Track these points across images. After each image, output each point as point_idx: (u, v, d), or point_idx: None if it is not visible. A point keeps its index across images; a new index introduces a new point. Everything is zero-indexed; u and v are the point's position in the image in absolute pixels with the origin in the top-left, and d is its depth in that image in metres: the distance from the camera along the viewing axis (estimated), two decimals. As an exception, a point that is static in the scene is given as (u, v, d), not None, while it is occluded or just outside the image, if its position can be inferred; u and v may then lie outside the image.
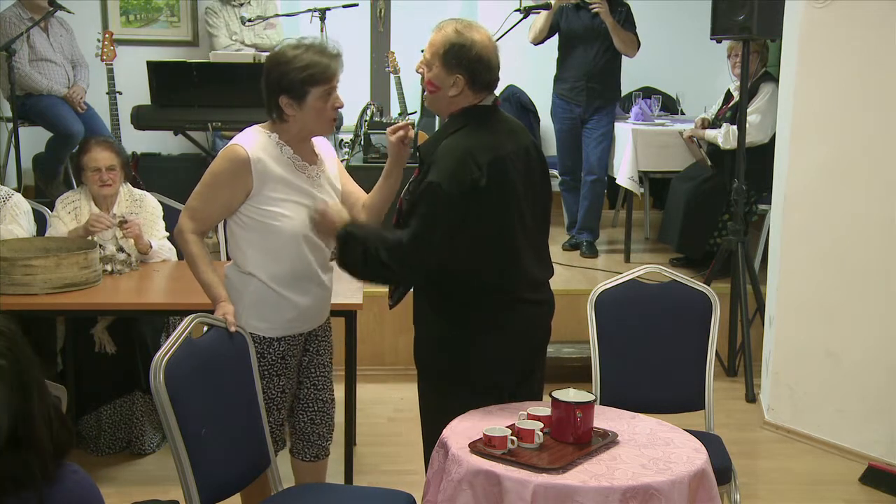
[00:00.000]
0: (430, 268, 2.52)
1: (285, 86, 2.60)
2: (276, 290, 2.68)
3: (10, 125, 5.42)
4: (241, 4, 6.01)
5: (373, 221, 2.79)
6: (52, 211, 3.87)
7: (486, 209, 2.49)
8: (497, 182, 2.50)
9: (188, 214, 2.70)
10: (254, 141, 2.66)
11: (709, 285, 3.16)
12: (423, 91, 2.66)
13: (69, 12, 5.58)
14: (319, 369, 2.87)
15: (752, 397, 4.46)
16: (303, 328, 2.77)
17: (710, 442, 2.71)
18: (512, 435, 2.25)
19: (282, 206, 2.64)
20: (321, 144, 2.82)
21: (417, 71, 2.64)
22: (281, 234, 2.65)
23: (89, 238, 3.57)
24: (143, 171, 5.51)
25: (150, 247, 3.69)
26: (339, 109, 2.68)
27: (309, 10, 5.52)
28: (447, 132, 2.57)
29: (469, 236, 2.50)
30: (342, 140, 6.03)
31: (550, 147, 6.44)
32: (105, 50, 5.33)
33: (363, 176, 4.82)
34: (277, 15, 5.86)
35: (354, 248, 2.52)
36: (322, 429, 2.90)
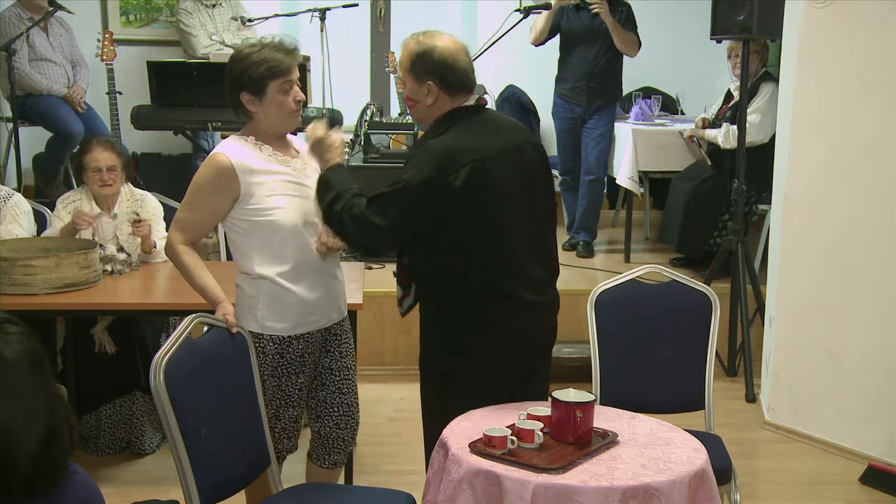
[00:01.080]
0: (379, 247, 2.67)
1: (244, 82, 2.66)
2: (288, 287, 2.68)
3: (10, 125, 5.42)
4: (214, 6, 6.01)
5: None
6: (52, 211, 3.87)
7: (467, 210, 2.50)
8: (478, 183, 2.49)
9: (177, 227, 2.73)
10: (233, 147, 2.70)
11: (709, 285, 3.16)
12: None
13: (69, 12, 5.58)
14: (343, 372, 2.87)
15: (752, 397, 4.46)
16: (320, 323, 2.77)
17: (710, 442, 2.71)
18: (512, 435, 2.25)
19: (273, 200, 2.66)
20: (301, 144, 2.85)
21: (398, 91, 2.68)
22: (280, 227, 2.66)
23: (89, 237, 3.57)
24: (142, 171, 5.51)
25: (155, 246, 3.70)
26: (301, 103, 2.71)
27: (309, 10, 5.52)
28: (432, 136, 2.59)
29: (454, 237, 2.51)
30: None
31: (551, 147, 6.43)
32: (105, 50, 5.33)
33: (364, 175, 4.83)
34: (277, 15, 5.86)
35: (327, 193, 2.59)
36: (346, 433, 2.90)
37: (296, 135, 2.96)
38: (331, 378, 2.85)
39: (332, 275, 2.80)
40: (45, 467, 1.45)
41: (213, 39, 5.93)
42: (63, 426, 1.50)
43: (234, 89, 2.68)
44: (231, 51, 5.90)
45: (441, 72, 2.56)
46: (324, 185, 2.61)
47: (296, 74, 2.69)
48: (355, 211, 2.52)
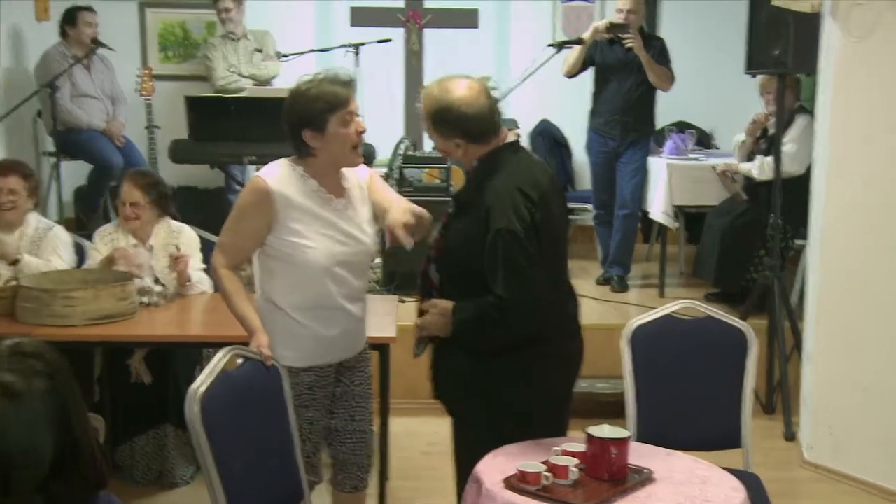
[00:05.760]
0: (543, 305, 2.50)
1: (305, 119, 2.63)
2: (299, 320, 2.69)
3: (53, 159, 5.53)
4: (239, 39, 6.13)
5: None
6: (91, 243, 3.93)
7: (543, 242, 2.51)
8: (546, 217, 2.53)
9: (220, 250, 2.75)
10: (277, 172, 2.69)
11: (745, 321, 3.12)
12: None
13: (110, 49, 5.70)
14: (356, 400, 2.86)
15: (790, 435, 4.38)
16: (332, 359, 2.76)
17: (749, 481, 2.66)
18: (546, 471, 2.22)
19: (305, 237, 2.65)
20: (350, 175, 2.79)
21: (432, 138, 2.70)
22: (305, 265, 2.65)
23: (126, 269, 3.61)
24: (179, 204, 5.58)
25: (190, 280, 3.73)
26: (363, 134, 2.67)
27: (343, 46, 5.59)
28: (483, 177, 2.57)
29: None
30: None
31: (584, 181, 6.42)
32: (144, 85, 5.44)
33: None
34: (313, 50, 5.94)
35: (473, 329, 2.54)
36: (362, 459, 2.89)
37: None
38: (342, 405, 2.84)
39: (351, 315, 2.76)
40: (57, 500, 1.46)
41: (230, 71, 6.05)
42: (86, 458, 1.51)
43: (296, 128, 2.65)
44: (249, 82, 6.03)
45: (463, 126, 2.55)
46: (461, 330, 2.55)
47: (355, 105, 2.66)
48: (495, 303, 2.46)
